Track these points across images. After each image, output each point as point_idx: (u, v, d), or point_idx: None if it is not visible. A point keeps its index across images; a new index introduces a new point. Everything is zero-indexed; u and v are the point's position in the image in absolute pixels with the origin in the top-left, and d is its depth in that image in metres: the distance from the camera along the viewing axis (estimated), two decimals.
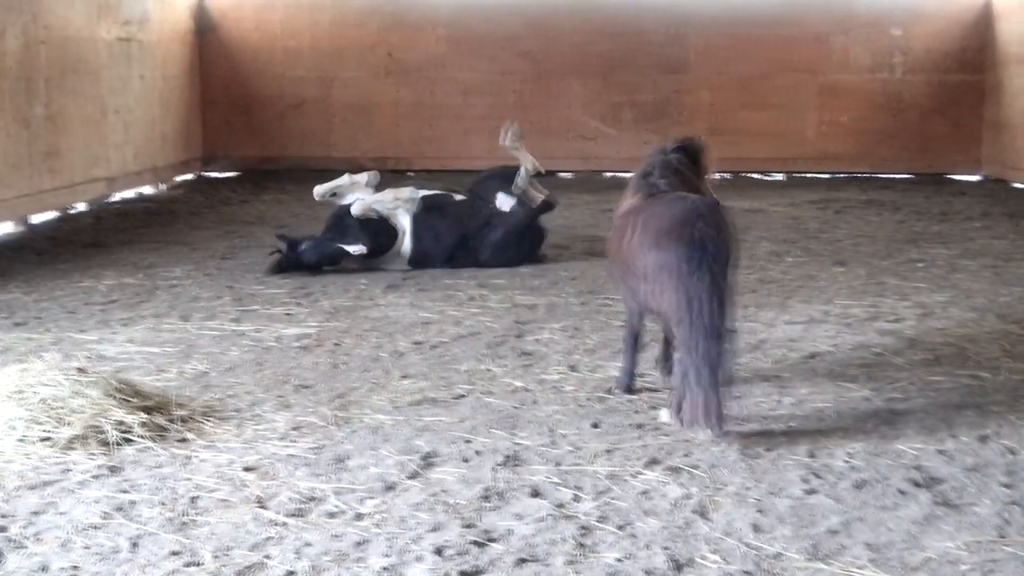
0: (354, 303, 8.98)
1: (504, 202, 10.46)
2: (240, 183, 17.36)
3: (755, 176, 18.13)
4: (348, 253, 10.09)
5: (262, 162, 18.53)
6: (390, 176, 17.81)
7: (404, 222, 10.29)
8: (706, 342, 5.52)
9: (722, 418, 5.54)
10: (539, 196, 10.58)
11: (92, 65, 14.56)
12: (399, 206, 10.31)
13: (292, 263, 10.08)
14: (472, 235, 10.40)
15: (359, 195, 10.31)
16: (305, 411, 6.17)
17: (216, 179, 18.02)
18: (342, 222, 10.26)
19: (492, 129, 18.60)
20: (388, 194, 10.40)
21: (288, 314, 8.60)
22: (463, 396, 6.47)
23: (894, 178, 18.14)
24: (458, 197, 10.64)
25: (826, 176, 18.08)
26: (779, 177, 18.20)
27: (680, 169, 6.44)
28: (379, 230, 10.23)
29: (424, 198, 10.46)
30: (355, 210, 10.16)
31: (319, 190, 10.55)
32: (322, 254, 10.11)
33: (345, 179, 10.52)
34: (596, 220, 13.10)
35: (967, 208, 14.62)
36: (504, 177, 10.62)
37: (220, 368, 7.07)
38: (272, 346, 7.64)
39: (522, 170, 10.42)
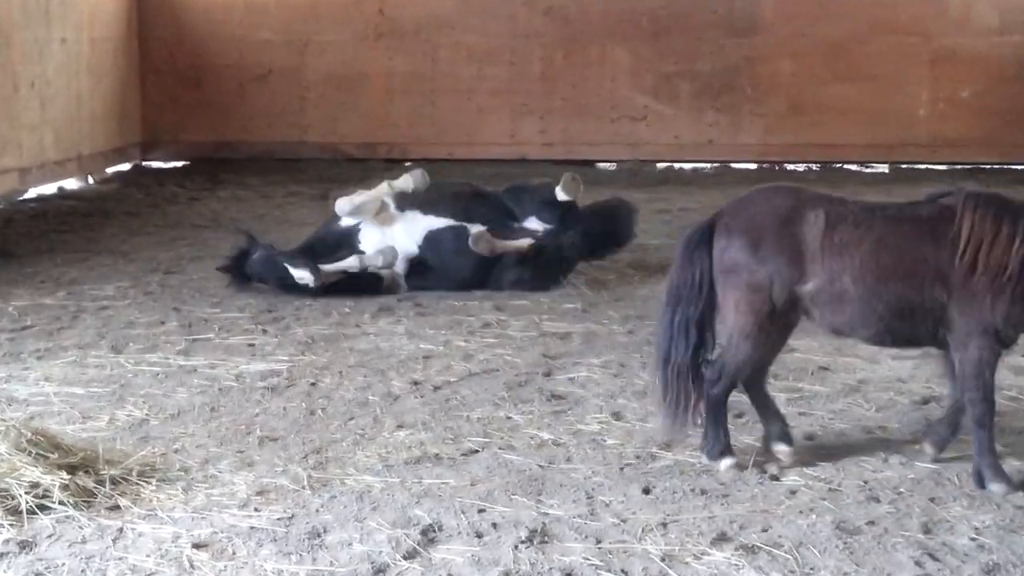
0: (335, 331, 8.96)
1: (535, 224, 10.42)
2: (189, 175, 17.41)
3: (850, 168, 18.09)
4: (296, 282, 9.80)
5: (217, 148, 18.57)
6: (382, 164, 17.88)
7: (398, 258, 10.01)
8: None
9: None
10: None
11: (1, 26, 14.62)
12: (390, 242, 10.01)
13: (239, 273, 10.03)
14: (492, 263, 10.21)
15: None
16: (272, 471, 6.13)
17: (159, 170, 18.09)
18: (330, 237, 10.18)
19: (513, 106, 18.76)
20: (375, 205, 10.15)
21: (251, 345, 8.59)
22: (475, 452, 6.43)
23: None
24: (475, 229, 10.15)
25: (942, 168, 18.03)
26: (881, 169, 18.16)
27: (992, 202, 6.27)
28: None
29: (429, 235, 10.16)
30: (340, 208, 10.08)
31: (344, 206, 10.15)
32: (266, 272, 9.97)
33: (384, 187, 10.17)
34: (648, 224, 12.98)
35: None
36: (540, 197, 10.54)
37: (163, 415, 7.04)
38: (230, 386, 7.61)
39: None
